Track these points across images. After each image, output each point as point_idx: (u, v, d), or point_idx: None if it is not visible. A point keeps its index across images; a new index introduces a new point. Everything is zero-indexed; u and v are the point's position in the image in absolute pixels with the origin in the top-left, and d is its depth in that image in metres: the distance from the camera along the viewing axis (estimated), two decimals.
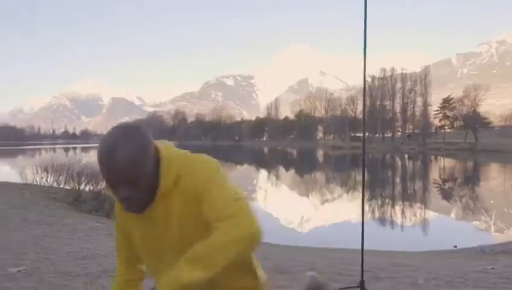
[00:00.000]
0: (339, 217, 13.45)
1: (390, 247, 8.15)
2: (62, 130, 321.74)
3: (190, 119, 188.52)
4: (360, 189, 11.98)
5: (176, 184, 1.13)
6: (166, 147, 1.18)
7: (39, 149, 76.66)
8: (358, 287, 3.44)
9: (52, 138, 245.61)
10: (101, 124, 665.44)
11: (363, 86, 4.04)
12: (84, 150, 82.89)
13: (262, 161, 46.87)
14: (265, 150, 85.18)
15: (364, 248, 3.52)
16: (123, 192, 1.08)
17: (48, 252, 5.34)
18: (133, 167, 1.05)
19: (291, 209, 15.74)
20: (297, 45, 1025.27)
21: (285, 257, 6.08)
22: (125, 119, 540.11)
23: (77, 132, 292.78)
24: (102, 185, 12.23)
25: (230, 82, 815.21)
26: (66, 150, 78.52)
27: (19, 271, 4.23)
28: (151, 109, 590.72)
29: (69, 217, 9.48)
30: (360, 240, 3.51)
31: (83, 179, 13.10)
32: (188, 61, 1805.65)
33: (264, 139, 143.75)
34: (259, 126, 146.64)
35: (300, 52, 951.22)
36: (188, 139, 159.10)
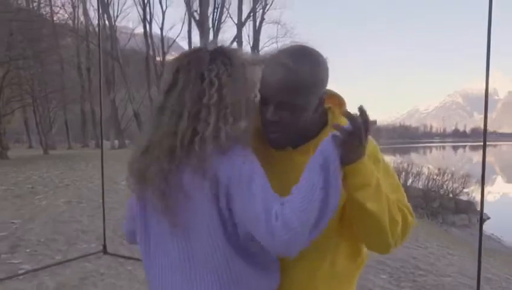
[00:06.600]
0: None
1: None
2: (452, 128, 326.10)
3: None
4: None
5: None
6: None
7: (429, 147, 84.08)
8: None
9: (442, 136, 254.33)
10: (494, 121, 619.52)
11: None
12: (473, 148, 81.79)
13: None
14: None
15: None
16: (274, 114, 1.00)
17: None
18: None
19: None
20: None
21: None
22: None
23: (467, 129, 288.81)
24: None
25: None
26: (455, 148, 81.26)
27: None
28: None
29: None
30: None
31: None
32: None
33: None
34: None
35: None
36: None
